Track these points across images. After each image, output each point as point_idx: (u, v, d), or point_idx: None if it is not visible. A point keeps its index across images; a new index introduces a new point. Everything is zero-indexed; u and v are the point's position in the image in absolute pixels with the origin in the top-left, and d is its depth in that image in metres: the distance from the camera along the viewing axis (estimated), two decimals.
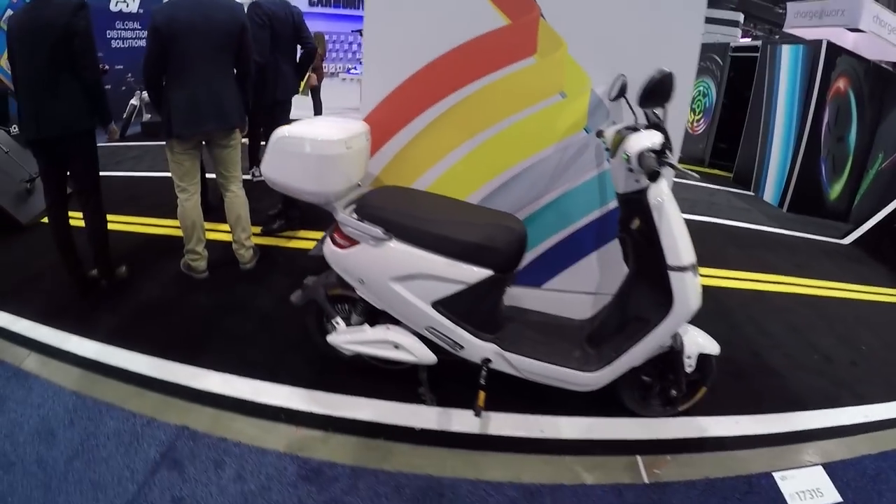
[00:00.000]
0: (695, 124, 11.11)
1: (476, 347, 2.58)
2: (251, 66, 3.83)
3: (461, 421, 2.66)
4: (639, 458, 2.68)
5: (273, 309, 3.40)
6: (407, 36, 2.86)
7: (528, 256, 3.15)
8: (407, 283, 2.47)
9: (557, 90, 2.74)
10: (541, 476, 2.44)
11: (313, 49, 4.96)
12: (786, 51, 8.10)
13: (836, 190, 7.83)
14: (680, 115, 2.94)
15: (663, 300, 2.42)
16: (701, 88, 10.87)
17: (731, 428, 3.03)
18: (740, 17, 14.59)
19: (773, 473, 2.75)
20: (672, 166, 2.22)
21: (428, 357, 2.61)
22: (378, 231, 2.43)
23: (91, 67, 3.30)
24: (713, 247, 6.10)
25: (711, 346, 2.70)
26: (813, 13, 8.66)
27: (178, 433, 2.35)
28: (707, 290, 3.79)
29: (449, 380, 2.80)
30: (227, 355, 2.99)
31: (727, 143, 9.70)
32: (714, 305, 4.65)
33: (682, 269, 2.32)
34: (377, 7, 2.88)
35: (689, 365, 2.61)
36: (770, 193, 8.31)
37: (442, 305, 2.51)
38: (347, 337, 2.67)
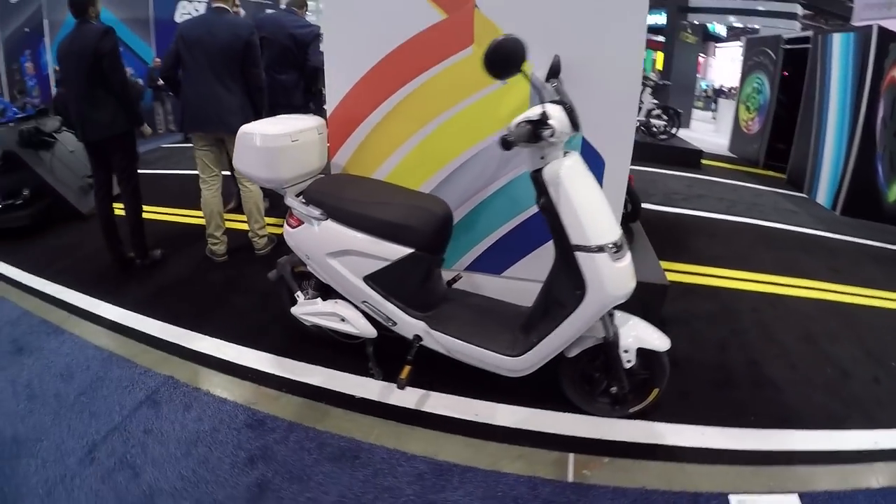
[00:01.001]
0: (749, 123, 10.38)
1: (407, 324, 2.70)
2: (256, 78, 4.17)
3: (400, 396, 2.76)
4: (571, 455, 2.50)
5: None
6: (358, 37, 3.04)
7: (485, 244, 3.26)
8: (341, 259, 2.70)
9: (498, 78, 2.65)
10: (457, 456, 2.43)
11: (312, 69, 4.99)
12: (836, 39, 7.38)
13: (894, 191, 7.04)
14: (627, 103, 2.90)
15: (578, 284, 2.30)
16: (755, 85, 10.15)
17: (692, 438, 2.70)
18: (798, 8, 13.59)
19: (729, 495, 2.35)
20: (540, 137, 2.12)
21: (368, 330, 2.81)
22: (317, 212, 2.70)
23: (118, 82, 3.91)
24: (739, 248, 5.56)
25: (656, 342, 2.49)
26: (882, 4, 7.89)
27: (164, 382, 2.89)
28: (712, 291, 4.01)
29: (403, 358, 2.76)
30: (225, 325, 3.45)
31: (784, 143, 8.92)
32: (717, 307, 4.24)
33: (588, 249, 2.20)
34: (332, 11, 3.07)
35: (628, 360, 2.46)
36: (823, 195, 7.57)
37: (371, 280, 2.69)
38: (304, 309, 2.98)
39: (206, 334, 3.37)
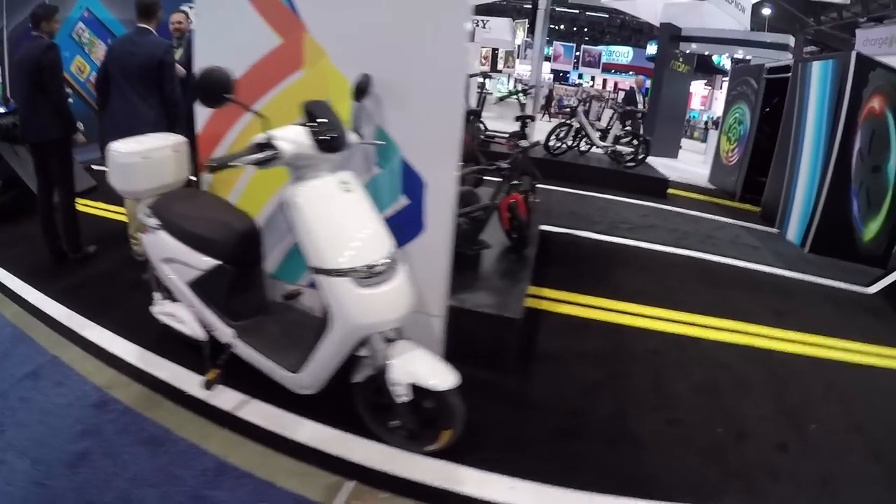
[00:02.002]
0: (729, 154, 9.75)
1: (221, 331, 2.75)
2: (170, 94, 4.32)
3: (224, 398, 2.75)
4: (349, 483, 2.31)
5: None
6: (218, 58, 2.87)
7: None
8: (170, 265, 2.85)
9: (324, 98, 2.55)
10: (244, 461, 2.42)
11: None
12: (815, 67, 6.78)
13: (871, 229, 6.33)
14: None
15: (326, 307, 2.25)
16: (737, 115, 9.53)
17: (497, 491, 2.30)
18: (790, 39, 13.02)
19: None
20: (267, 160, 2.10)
21: (200, 333, 2.85)
22: (153, 222, 2.85)
23: (54, 92, 4.20)
24: (670, 283, 4.90)
25: (432, 380, 2.21)
26: (883, 40, 7.31)
27: (51, 360, 3.11)
28: (612, 328, 3.79)
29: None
30: (119, 318, 3.50)
31: (764, 175, 8.25)
32: (609, 346, 3.66)
33: (325, 272, 2.13)
34: (200, 30, 3.24)
35: (398, 394, 2.23)
36: (793, 231, 6.87)
37: (192, 287, 2.79)
38: (157, 309, 3.12)
39: (99, 324, 3.47)
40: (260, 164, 2.07)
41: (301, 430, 2.58)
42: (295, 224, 2.17)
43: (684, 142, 16.32)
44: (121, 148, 3.00)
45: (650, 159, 9.52)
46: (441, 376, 2.22)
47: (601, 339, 3.76)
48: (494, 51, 23.78)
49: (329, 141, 2.17)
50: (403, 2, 2.68)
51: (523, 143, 5.10)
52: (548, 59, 24.66)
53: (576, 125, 9.42)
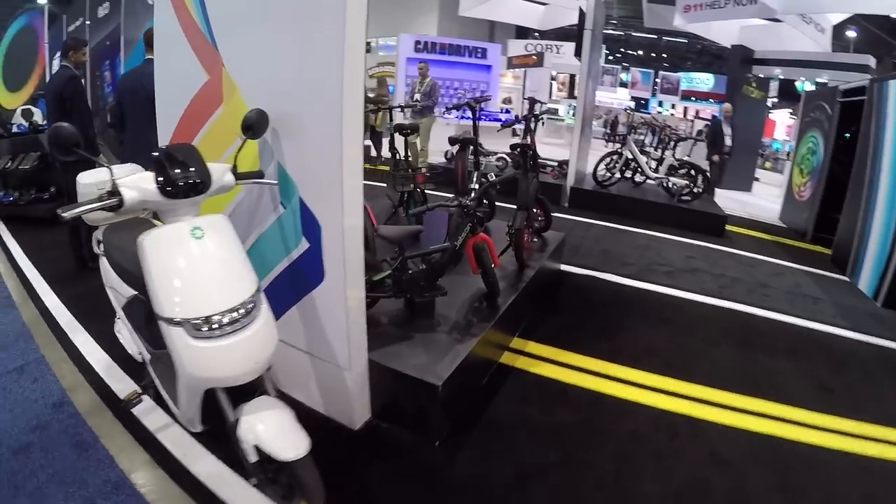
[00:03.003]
0: (801, 189, 8.61)
1: (144, 356, 2.69)
2: None
3: (153, 418, 2.81)
4: None
5: None
6: (171, 95, 3.23)
7: None
8: (110, 290, 2.91)
9: (237, 134, 2.45)
10: (143, 483, 2.43)
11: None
12: (893, 87, 5.73)
13: None
14: None
15: None
16: (810, 144, 8.43)
17: None
18: (870, 60, 11.59)
19: None
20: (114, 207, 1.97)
21: (135, 353, 2.85)
22: (99, 249, 2.91)
23: (76, 120, 4.52)
24: (693, 344, 4.06)
25: (276, 446, 1.96)
26: None
27: (38, 358, 3.42)
28: (592, 398, 3.25)
29: None
30: (108, 328, 3.34)
31: (839, 213, 7.12)
32: (580, 420, 3.03)
33: (165, 320, 1.94)
34: (158, 72, 3.29)
35: (247, 451, 2.02)
36: (865, 281, 5.79)
37: (123, 310, 2.80)
38: (116, 326, 3.15)
39: (87, 330, 3.73)
40: (112, 210, 1.96)
41: (201, 463, 2.52)
42: (143, 269, 2.01)
43: (763, 174, 14.95)
44: (84, 178, 3.04)
45: (720, 192, 8.58)
46: (288, 443, 1.97)
47: (574, 412, 3.08)
48: (572, 76, 23.09)
49: (173, 187, 1.98)
50: (295, 33, 2.48)
51: (491, 177, 4.49)
52: (624, 85, 23.64)
53: (627, 154, 8.60)
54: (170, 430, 2.73)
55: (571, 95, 22.53)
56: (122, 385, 3.11)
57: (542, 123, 9.95)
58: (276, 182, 2.59)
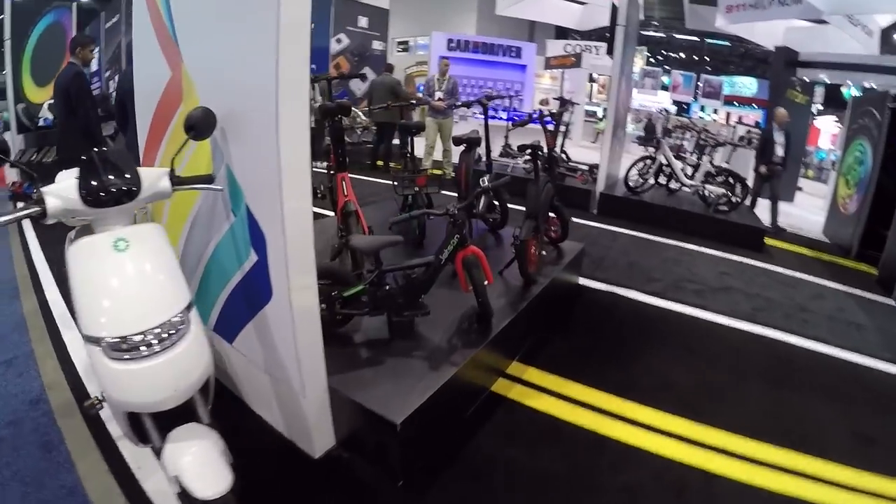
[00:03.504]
0: (847, 201, 7.94)
1: None
2: None
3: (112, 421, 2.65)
4: None
5: None
6: (142, 95, 3.13)
7: (218, 303, 2.79)
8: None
9: None
10: (93, 491, 2.33)
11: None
12: None
13: None
14: None
15: None
16: (857, 153, 7.75)
17: None
18: None
19: None
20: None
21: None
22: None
23: (82, 116, 4.80)
24: (719, 377, 3.59)
25: (197, 483, 1.74)
26: None
27: (27, 353, 3.40)
28: (593, 442, 2.83)
29: None
30: None
31: (887, 228, 6.46)
32: (570, 467, 2.59)
33: (84, 336, 1.76)
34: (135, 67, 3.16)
35: (170, 481, 1.81)
36: None
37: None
38: None
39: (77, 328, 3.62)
40: (39, 219, 1.83)
41: (153, 479, 2.35)
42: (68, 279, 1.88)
43: (806, 184, 14.09)
44: (60, 178, 2.79)
45: (760, 202, 7.99)
46: (207, 480, 1.77)
47: (565, 456, 2.66)
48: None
49: (93, 196, 1.82)
50: (237, 28, 2.21)
51: (483, 183, 4.06)
52: (666, 88, 22.77)
53: (661, 159, 8.04)
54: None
55: None
56: (96, 387, 2.85)
57: (569, 125, 9.40)
58: (220, 188, 2.33)
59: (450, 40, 14.03)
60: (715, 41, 25.43)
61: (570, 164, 9.18)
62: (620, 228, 7.23)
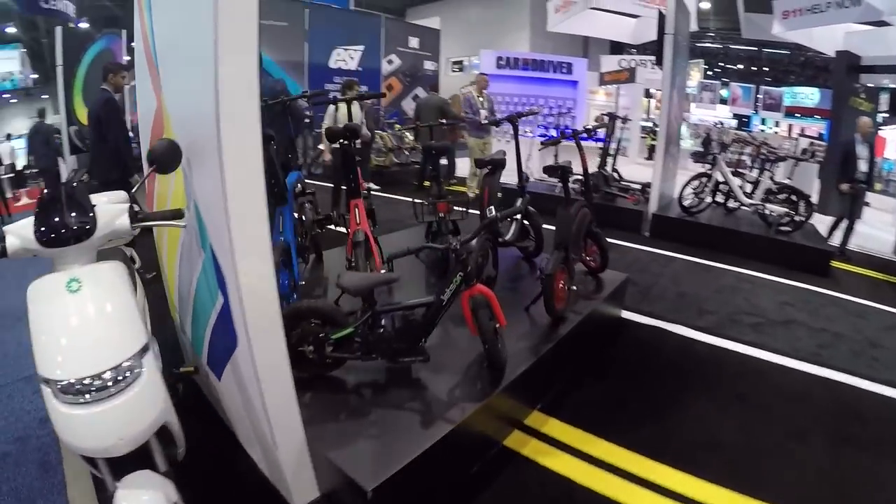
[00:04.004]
0: None
1: None
2: None
3: None
4: None
5: None
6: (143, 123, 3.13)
7: (206, 341, 2.64)
8: None
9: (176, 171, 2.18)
10: None
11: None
12: None
13: None
14: None
15: None
16: None
17: None
18: None
19: None
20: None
21: None
22: None
23: (112, 140, 4.85)
24: (773, 434, 3.07)
25: None
26: None
27: None
28: None
29: None
30: None
31: None
32: None
33: (39, 379, 1.68)
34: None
35: None
36: None
37: None
38: None
39: None
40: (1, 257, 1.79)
41: None
42: None
43: (873, 198, 12.92)
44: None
45: (822, 219, 7.29)
46: None
47: None
48: None
49: (45, 235, 1.76)
50: (192, 64, 2.04)
51: (490, 214, 3.65)
52: (724, 102, 21.76)
53: (717, 177, 7.43)
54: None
55: None
56: None
57: (620, 142, 8.89)
58: (183, 224, 2.07)
59: (499, 58, 13.67)
60: (773, 50, 24.15)
61: (621, 183, 8.64)
62: (673, 253, 6.66)
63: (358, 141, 3.80)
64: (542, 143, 4.14)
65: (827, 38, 10.87)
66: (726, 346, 4.11)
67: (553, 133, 11.97)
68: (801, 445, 2.94)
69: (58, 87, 8.39)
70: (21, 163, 16.98)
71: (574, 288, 3.61)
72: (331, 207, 6.79)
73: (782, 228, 6.84)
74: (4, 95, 24.97)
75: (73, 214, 1.77)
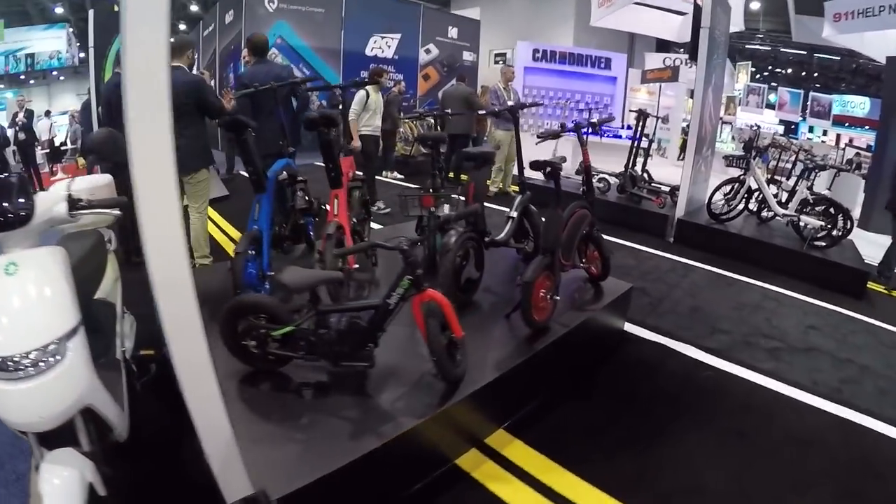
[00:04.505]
0: None
1: None
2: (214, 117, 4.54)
3: None
4: None
5: None
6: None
7: None
8: None
9: None
10: None
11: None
12: None
13: None
14: None
15: None
16: None
17: None
18: None
19: None
20: None
21: None
22: None
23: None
24: (776, 484, 2.62)
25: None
26: None
27: None
28: None
29: None
30: None
31: None
32: None
33: None
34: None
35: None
36: None
37: None
38: None
39: None
40: None
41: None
42: None
43: None
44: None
45: (862, 234, 6.62)
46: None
47: None
48: None
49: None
50: None
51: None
52: (772, 107, 20.66)
53: (751, 183, 6.83)
54: None
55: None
56: None
57: (651, 141, 8.38)
58: (118, 213, 2.10)
59: (535, 50, 13.21)
60: (824, 55, 22.80)
61: (651, 185, 8.11)
62: (696, 262, 6.15)
63: (334, 129, 3.57)
64: (538, 136, 3.71)
65: (879, 43, 10.06)
66: (735, 372, 3.64)
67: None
68: (801, 500, 2.48)
69: (89, 68, 8.35)
70: (59, 139, 17.28)
71: (557, 298, 3.20)
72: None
73: (817, 243, 6.23)
74: (53, 73, 25.70)
75: (12, 201, 1.83)
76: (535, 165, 3.24)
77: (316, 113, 3.52)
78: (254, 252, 3.36)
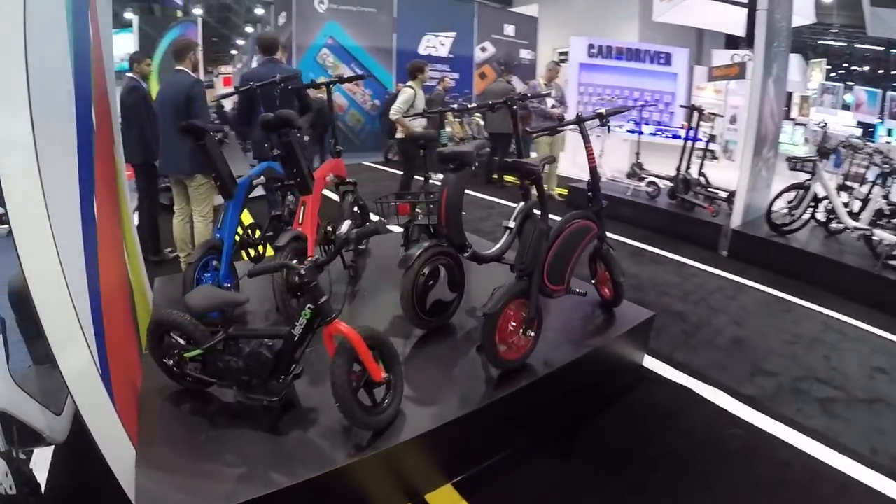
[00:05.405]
0: None
1: None
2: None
3: None
4: None
5: None
6: None
7: None
8: None
9: None
10: None
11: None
12: None
13: None
14: None
15: None
16: None
17: None
18: None
19: None
20: None
21: None
22: None
23: (136, 125, 5.11)
24: None
25: None
26: None
27: None
28: None
29: None
30: None
31: None
32: None
33: None
34: None
35: None
36: None
37: None
38: None
39: None
40: None
41: None
42: None
43: None
44: None
45: None
46: None
47: None
48: (789, 94, 18.81)
49: None
50: None
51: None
52: (847, 107, 18.64)
53: (817, 190, 5.78)
54: None
55: (787, 117, 18.30)
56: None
57: (708, 142, 7.45)
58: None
59: (590, 46, 12.29)
60: None
61: (708, 189, 7.12)
62: (749, 280, 5.23)
63: (296, 130, 3.22)
64: (527, 130, 3.00)
65: None
66: (772, 431, 2.84)
67: (645, 129, 10.46)
68: None
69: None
70: None
71: (531, 333, 2.50)
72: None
73: (892, 262, 5.15)
74: (128, 74, 26.82)
75: None
76: (504, 166, 2.58)
77: (270, 114, 3.17)
78: (215, 261, 3.15)
